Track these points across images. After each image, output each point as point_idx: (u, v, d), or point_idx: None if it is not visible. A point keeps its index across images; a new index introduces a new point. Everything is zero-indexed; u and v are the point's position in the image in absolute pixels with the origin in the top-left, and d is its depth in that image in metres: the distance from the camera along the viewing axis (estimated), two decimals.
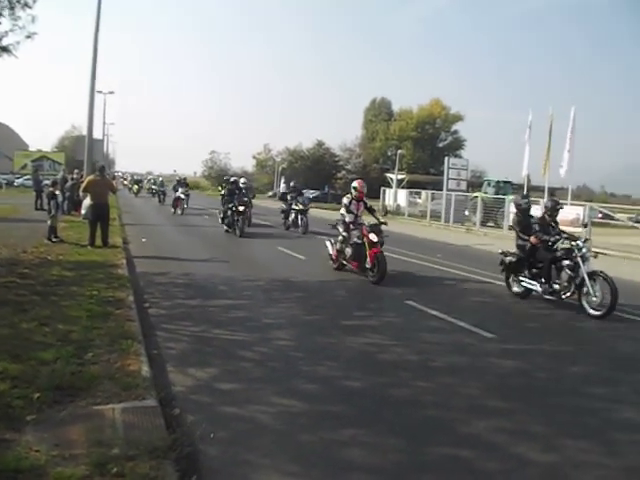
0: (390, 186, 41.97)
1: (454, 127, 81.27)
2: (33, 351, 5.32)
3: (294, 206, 22.16)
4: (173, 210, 28.44)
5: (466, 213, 30.34)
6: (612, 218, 23.18)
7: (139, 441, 3.73)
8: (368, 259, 11.30)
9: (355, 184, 12.55)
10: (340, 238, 12.30)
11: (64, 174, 25.76)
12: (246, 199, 20.67)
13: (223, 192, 22.51)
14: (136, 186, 51.05)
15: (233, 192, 20.84)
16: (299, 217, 21.73)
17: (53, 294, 7.91)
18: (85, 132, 22.75)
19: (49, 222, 14.00)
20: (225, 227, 20.44)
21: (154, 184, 48.55)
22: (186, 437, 4.01)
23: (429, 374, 5.85)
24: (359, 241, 11.60)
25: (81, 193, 16.44)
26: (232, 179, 23.13)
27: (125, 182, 70.20)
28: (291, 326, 7.50)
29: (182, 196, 28.94)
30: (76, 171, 24.88)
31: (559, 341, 7.58)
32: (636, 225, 22.04)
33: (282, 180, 63.04)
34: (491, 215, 28.25)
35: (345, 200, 12.39)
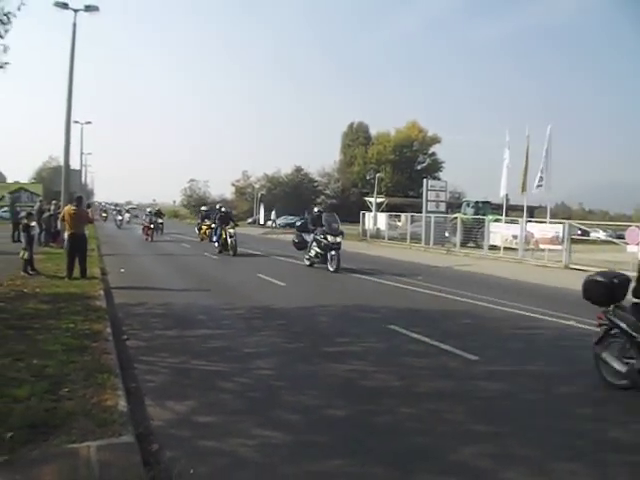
0: (370, 210, 41.99)
1: (432, 149, 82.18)
2: (6, 388, 5.14)
3: (319, 237, 17.69)
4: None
5: (446, 234, 30.46)
6: (589, 235, 23.54)
7: None
8: None
9: None
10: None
11: (41, 205, 25.47)
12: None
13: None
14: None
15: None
16: (331, 252, 17.32)
17: (29, 328, 7.71)
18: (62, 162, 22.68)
19: (24, 255, 13.79)
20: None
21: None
22: (164, 474, 3.88)
23: (414, 400, 5.74)
24: None
25: (59, 223, 16.36)
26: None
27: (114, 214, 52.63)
28: (272, 355, 7.37)
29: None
30: (54, 202, 24.62)
31: (545, 361, 7.41)
32: (615, 240, 22.38)
33: (262, 206, 62.98)
34: (471, 236, 28.39)
35: None
